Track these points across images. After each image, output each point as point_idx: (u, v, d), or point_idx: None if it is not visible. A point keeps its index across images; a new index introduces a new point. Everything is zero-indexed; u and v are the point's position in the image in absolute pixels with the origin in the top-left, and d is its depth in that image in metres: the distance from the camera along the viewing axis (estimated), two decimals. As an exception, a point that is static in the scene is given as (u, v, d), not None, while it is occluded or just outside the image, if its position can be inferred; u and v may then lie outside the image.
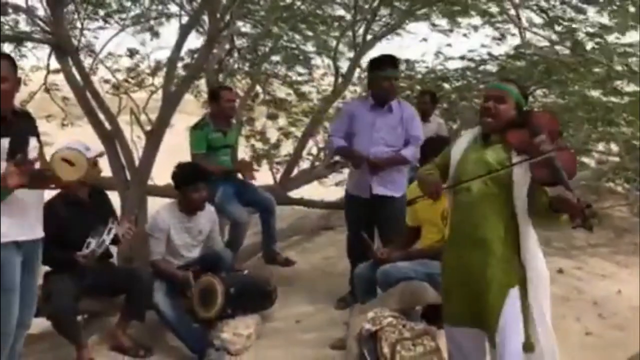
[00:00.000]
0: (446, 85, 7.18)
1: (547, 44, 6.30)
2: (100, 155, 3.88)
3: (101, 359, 3.69)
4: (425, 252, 3.69)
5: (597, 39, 5.73)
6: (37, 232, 2.93)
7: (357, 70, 6.69)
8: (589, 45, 5.76)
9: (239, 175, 4.76)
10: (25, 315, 2.93)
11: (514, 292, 2.43)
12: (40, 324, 3.82)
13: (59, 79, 6.08)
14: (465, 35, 6.61)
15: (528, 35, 6.05)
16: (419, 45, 6.86)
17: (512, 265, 2.46)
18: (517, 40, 6.61)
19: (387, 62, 4.23)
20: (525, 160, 2.39)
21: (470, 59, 6.90)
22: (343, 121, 4.39)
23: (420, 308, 3.82)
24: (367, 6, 5.83)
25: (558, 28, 5.86)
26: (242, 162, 4.81)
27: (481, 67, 7.01)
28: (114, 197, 4.83)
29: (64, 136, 5.76)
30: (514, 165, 2.42)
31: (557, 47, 6.06)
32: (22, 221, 2.78)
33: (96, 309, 4.10)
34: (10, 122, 2.71)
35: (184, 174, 4.07)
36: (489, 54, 6.86)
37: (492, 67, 6.97)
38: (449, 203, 2.69)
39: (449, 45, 6.87)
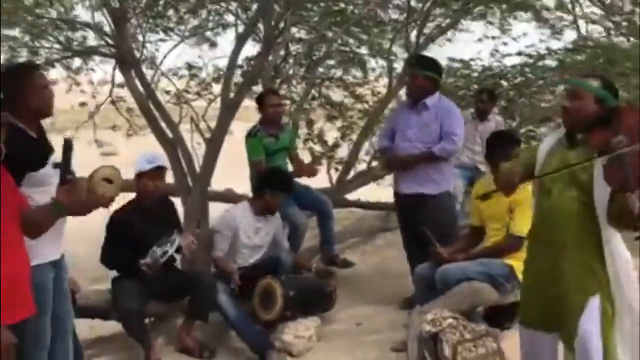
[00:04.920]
0: (504, 83, 7.02)
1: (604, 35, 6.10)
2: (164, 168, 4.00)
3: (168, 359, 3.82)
4: (486, 252, 3.65)
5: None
6: (63, 247, 2.89)
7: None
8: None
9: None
10: (67, 323, 2.92)
11: (594, 301, 2.36)
12: (111, 327, 4.01)
13: (124, 91, 6.34)
14: (514, 39, 6.53)
15: (588, 27, 5.87)
16: (474, 44, 6.76)
17: (593, 271, 2.38)
18: (575, 34, 6.46)
19: (417, 61, 4.36)
20: (587, 161, 2.26)
21: (528, 55, 6.74)
22: (388, 123, 4.53)
23: (482, 309, 3.78)
24: (420, 6, 5.79)
25: (615, 18, 5.65)
26: (301, 167, 4.86)
27: (540, 63, 6.82)
28: (177, 203, 5.02)
29: (128, 146, 6.00)
30: (584, 164, 2.28)
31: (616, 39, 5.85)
32: (55, 240, 2.75)
33: (162, 312, 4.24)
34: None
35: (270, 179, 4.25)
36: (547, 48, 6.68)
37: (551, 62, 6.79)
38: (534, 206, 2.62)
39: (504, 43, 6.76)
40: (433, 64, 4.34)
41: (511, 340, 3.12)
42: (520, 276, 3.42)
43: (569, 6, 5.74)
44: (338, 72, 7.74)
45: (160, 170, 3.84)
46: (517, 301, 3.50)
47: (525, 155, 2.75)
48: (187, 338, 3.93)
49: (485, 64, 6.89)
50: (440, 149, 4.14)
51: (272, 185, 4.19)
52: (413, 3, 5.83)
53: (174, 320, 4.26)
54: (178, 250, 3.90)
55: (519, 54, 6.67)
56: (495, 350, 2.94)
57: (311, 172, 4.79)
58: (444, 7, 5.77)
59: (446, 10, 5.84)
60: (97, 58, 6.35)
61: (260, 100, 4.80)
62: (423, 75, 4.20)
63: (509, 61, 6.85)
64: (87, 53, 5.96)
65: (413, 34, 6.17)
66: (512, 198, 3.50)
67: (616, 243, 2.40)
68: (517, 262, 3.49)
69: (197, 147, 5.54)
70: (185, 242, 3.85)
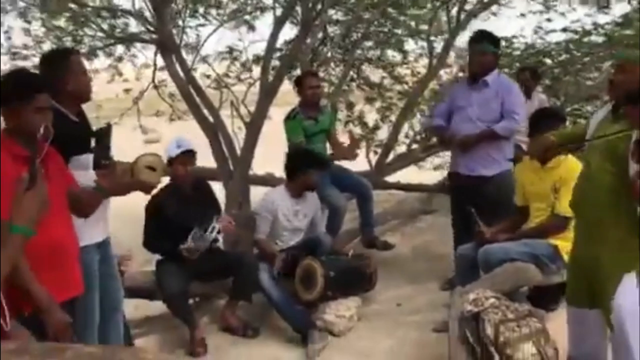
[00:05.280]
0: (548, 61, 6.83)
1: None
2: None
3: (212, 338, 3.90)
4: (531, 232, 3.59)
5: None
6: (108, 229, 3.01)
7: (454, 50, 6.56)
8: None
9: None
10: (116, 301, 3.06)
11: (632, 277, 2.32)
12: (158, 307, 4.12)
13: (166, 76, 6.43)
14: (562, 14, 6.32)
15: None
16: (516, 20, 6.57)
17: (630, 248, 2.34)
18: (625, 7, 6.22)
19: (481, 37, 4.20)
20: (617, 133, 2.23)
21: (574, 31, 6.52)
22: (445, 102, 4.42)
23: (527, 290, 3.73)
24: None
25: None
26: (340, 150, 4.85)
27: (585, 39, 6.60)
28: (219, 187, 5.09)
29: (172, 131, 6.08)
30: (613, 136, 2.26)
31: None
32: (100, 222, 2.86)
33: (206, 292, 4.34)
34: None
35: (300, 158, 4.26)
36: (594, 23, 6.46)
37: (597, 38, 6.55)
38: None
39: (549, 20, 6.56)
40: (496, 40, 4.26)
41: (557, 321, 3.08)
42: (565, 256, 3.38)
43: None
44: (376, 54, 7.67)
45: (189, 153, 3.90)
46: (562, 282, 3.47)
47: (572, 129, 2.70)
48: (231, 317, 4.01)
49: (528, 41, 6.71)
50: (502, 127, 4.06)
51: (303, 164, 4.20)
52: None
53: (217, 300, 4.36)
54: (218, 232, 3.98)
55: (564, 30, 6.46)
56: (540, 329, 2.88)
57: (352, 155, 4.77)
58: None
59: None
60: (138, 45, 6.46)
61: (299, 82, 4.80)
62: (491, 52, 4.13)
63: (553, 38, 6.65)
64: (129, 40, 6.07)
65: (454, 11, 6.04)
66: (558, 177, 3.45)
67: None
68: (563, 242, 3.44)
69: (237, 132, 5.58)
70: (222, 223, 3.92)
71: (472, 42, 4.22)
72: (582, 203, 2.48)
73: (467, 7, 6.03)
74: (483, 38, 4.17)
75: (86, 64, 2.92)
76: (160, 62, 6.11)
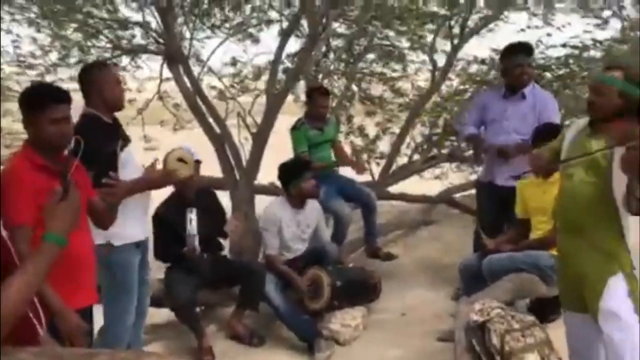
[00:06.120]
0: (548, 75, 6.92)
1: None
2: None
3: (219, 346, 3.96)
4: (533, 244, 3.67)
5: None
6: (147, 230, 3.19)
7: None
8: None
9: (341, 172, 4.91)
10: (144, 305, 3.20)
11: (615, 280, 2.43)
12: (165, 315, 4.17)
13: (170, 87, 6.50)
14: (559, 29, 6.43)
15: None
16: (516, 34, 6.67)
17: (612, 254, 2.46)
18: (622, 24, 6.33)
19: (519, 48, 4.22)
20: (606, 148, 2.34)
21: (573, 46, 6.63)
22: (475, 111, 4.44)
23: (528, 301, 3.80)
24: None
25: None
26: (347, 160, 4.92)
27: (584, 54, 6.71)
28: (225, 197, 5.15)
29: (175, 140, 6.15)
30: (600, 152, 2.37)
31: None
32: (138, 222, 3.01)
33: (213, 300, 4.40)
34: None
35: (288, 169, 4.30)
36: (593, 39, 6.56)
37: (596, 53, 6.66)
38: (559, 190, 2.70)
39: (548, 34, 6.66)
40: (532, 50, 4.31)
41: (558, 332, 3.15)
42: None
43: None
44: (378, 67, 7.76)
45: (195, 163, 3.98)
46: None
47: (551, 144, 2.81)
48: (238, 325, 4.07)
49: (529, 56, 6.80)
50: None
51: (294, 172, 4.23)
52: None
53: (224, 309, 4.41)
54: (224, 235, 4.06)
55: (564, 45, 6.57)
56: (544, 340, 2.95)
57: (359, 168, 4.85)
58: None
59: (488, 2, 5.81)
60: (143, 56, 6.53)
61: (311, 95, 4.89)
62: (527, 64, 4.16)
63: (554, 53, 6.75)
64: (137, 51, 6.14)
65: (456, 26, 6.15)
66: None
67: (632, 228, 2.48)
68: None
69: (244, 143, 5.66)
70: (230, 227, 4.00)
71: (508, 54, 4.22)
72: (567, 211, 2.60)
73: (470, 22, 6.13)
74: (520, 50, 4.18)
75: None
76: (165, 73, 6.19)
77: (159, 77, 6.38)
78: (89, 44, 6.08)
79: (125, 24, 5.97)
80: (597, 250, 2.48)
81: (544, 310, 3.64)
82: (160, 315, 4.22)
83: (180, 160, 2.93)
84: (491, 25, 6.36)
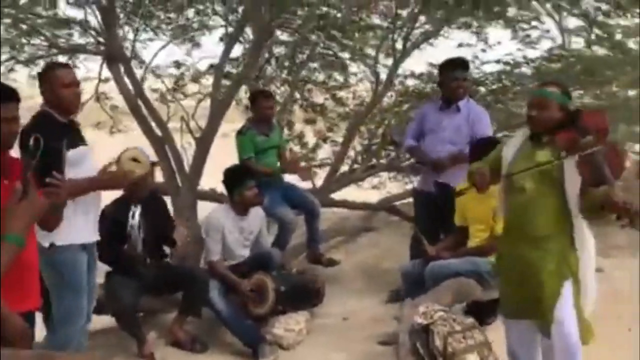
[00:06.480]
0: (482, 89, 7.24)
1: (582, 46, 6.41)
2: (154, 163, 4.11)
3: (161, 353, 3.88)
4: (472, 251, 3.83)
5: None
6: (96, 233, 3.13)
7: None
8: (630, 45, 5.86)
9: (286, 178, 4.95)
10: (89, 310, 3.12)
11: (568, 285, 2.57)
12: (105, 320, 4.06)
13: (107, 88, 6.36)
14: (490, 47, 6.78)
15: (569, 38, 6.16)
16: (454, 50, 6.96)
17: (567, 259, 2.60)
18: (551, 44, 6.74)
19: (456, 63, 4.42)
20: (565, 157, 2.48)
21: (506, 62, 6.98)
22: (415, 123, 4.62)
23: (464, 305, 3.95)
24: (406, 14, 5.97)
25: (598, 31, 5.96)
26: (294, 167, 4.96)
27: (516, 70, 7.07)
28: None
29: (112, 143, 6.02)
30: (556, 162, 2.52)
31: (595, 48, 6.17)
32: (86, 224, 2.96)
33: (154, 307, 4.32)
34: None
35: (233, 176, 4.28)
36: (524, 57, 6.93)
37: (527, 70, 7.04)
38: (501, 202, 2.81)
39: (483, 50, 6.99)
40: (468, 66, 4.52)
41: (494, 334, 3.31)
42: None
43: (545, 17, 6.03)
44: (320, 76, 7.87)
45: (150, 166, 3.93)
46: (498, 298, 3.72)
47: (489, 157, 2.92)
48: (180, 332, 4.01)
49: (465, 71, 7.08)
50: None
51: (237, 179, 4.22)
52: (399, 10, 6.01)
53: (165, 315, 4.34)
54: (173, 244, 4.00)
55: (497, 61, 6.91)
56: (484, 341, 3.10)
57: (304, 175, 4.91)
58: (428, 15, 5.95)
59: (430, 18, 6.03)
60: (81, 56, 6.36)
61: (253, 100, 4.91)
62: (462, 78, 4.35)
63: (488, 68, 7.08)
64: (75, 51, 5.97)
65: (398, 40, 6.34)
66: (497, 203, 3.70)
67: (585, 231, 2.64)
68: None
69: (187, 147, 5.60)
70: (179, 235, 3.96)
71: (446, 68, 4.41)
72: (522, 222, 2.69)
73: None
74: (457, 65, 4.38)
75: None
76: (105, 74, 6.05)
77: (98, 77, 6.22)
78: (24, 41, 5.85)
79: (63, 22, 5.79)
80: (552, 258, 2.60)
81: (480, 314, 3.81)
82: (101, 321, 4.10)
83: (134, 159, 2.89)
84: (431, 40, 6.60)
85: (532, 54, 6.82)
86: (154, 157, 4.08)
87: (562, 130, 2.53)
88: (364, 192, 7.66)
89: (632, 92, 6.32)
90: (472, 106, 4.46)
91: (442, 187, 4.28)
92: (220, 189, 5.91)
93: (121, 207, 3.89)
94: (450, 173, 4.29)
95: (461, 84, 4.34)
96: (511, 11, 6.20)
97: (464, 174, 4.24)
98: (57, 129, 2.81)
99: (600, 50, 6.35)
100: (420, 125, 4.52)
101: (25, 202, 1.55)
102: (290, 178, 5.03)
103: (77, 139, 2.89)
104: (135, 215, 3.69)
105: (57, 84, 2.88)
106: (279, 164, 4.91)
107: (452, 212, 4.07)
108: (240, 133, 4.80)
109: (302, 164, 5.28)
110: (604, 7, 5.76)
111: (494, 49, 6.97)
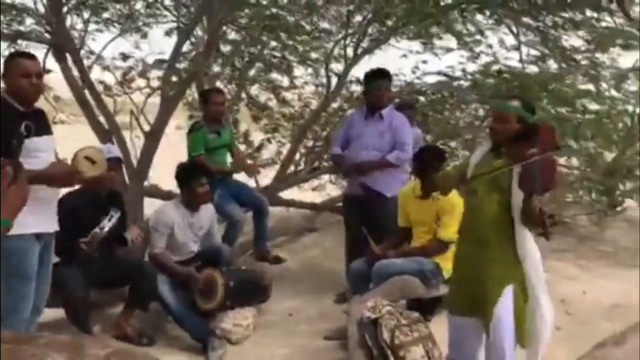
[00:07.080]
0: (422, 99, 7.53)
1: (517, 64, 6.83)
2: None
3: (106, 346, 3.87)
4: (416, 252, 4.04)
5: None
6: (54, 224, 3.12)
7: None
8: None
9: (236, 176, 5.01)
10: (40, 302, 3.13)
11: (510, 289, 2.74)
12: (48, 314, 3.99)
13: (51, 77, 6.19)
14: (436, 55, 7.10)
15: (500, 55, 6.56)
16: (398, 60, 7.22)
17: (510, 265, 2.76)
18: (489, 59, 7.12)
19: (378, 74, 4.66)
20: (510, 166, 2.67)
21: (446, 75, 7.30)
22: (342, 130, 4.82)
23: (406, 301, 4.16)
24: (359, 21, 6.16)
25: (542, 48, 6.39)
26: (242, 164, 5.04)
27: (455, 83, 7.40)
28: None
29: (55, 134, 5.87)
30: (502, 170, 2.69)
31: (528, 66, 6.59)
32: (41, 214, 2.94)
33: (100, 300, 4.27)
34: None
35: (186, 171, 4.32)
36: (463, 70, 7.28)
37: (465, 83, 7.38)
38: (464, 206, 3.01)
39: (424, 62, 7.29)
40: (390, 76, 4.75)
41: (436, 328, 3.51)
42: (445, 274, 3.87)
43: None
44: (266, 76, 7.95)
45: (116, 161, 3.93)
46: (439, 295, 3.96)
47: (458, 167, 3.15)
48: (126, 325, 4.00)
49: (407, 80, 7.38)
50: (395, 157, 4.52)
51: (190, 175, 4.26)
52: (351, 17, 6.18)
53: (111, 308, 4.31)
54: (124, 243, 4.00)
55: (438, 73, 7.22)
56: (428, 334, 3.30)
57: (253, 170, 4.99)
58: (380, 23, 6.16)
59: (382, 27, 6.25)
60: (23, 43, 6.16)
61: (204, 97, 4.94)
62: (384, 87, 4.58)
63: (429, 79, 7.38)
64: (18, 38, 5.77)
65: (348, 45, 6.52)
66: (440, 207, 3.94)
67: (529, 243, 2.78)
68: (443, 262, 3.94)
69: (135, 141, 5.55)
70: (132, 235, 3.96)
71: (370, 79, 4.65)
72: (472, 225, 2.89)
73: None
74: (380, 75, 4.64)
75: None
76: (49, 64, 5.89)
77: (43, 67, 6.03)
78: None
79: (8, 8, 5.60)
80: (497, 262, 2.77)
81: (422, 310, 4.02)
82: (46, 314, 4.03)
83: (88, 159, 2.87)
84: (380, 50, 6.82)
85: (471, 68, 7.17)
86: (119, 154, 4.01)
87: (520, 141, 2.68)
88: (303, 194, 7.80)
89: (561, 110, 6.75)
90: (395, 114, 4.71)
91: (369, 189, 4.52)
92: (166, 186, 5.94)
93: (81, 197, 3.84)
94: (375, 177, 4.54)
95: (383, 93, 4.59)
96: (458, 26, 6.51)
97: (388, 179, 4.57)
98: (13, 117, 2.80)
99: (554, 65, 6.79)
100: (347, 132, 4.74)
101: (15, 187, 1.58)
102: (239, 176, 5.11)
103: (39, 128, 2.87)
104: (113, 219, 3.69)
105: (16, 73, 2.88)
106: (229, 162, 4.97)
107: (380, 213, 4.32)
108: (191, 130, 4.83)
109: (249, 161, 5.31)
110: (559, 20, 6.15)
111: (440, 58, 7.29)
